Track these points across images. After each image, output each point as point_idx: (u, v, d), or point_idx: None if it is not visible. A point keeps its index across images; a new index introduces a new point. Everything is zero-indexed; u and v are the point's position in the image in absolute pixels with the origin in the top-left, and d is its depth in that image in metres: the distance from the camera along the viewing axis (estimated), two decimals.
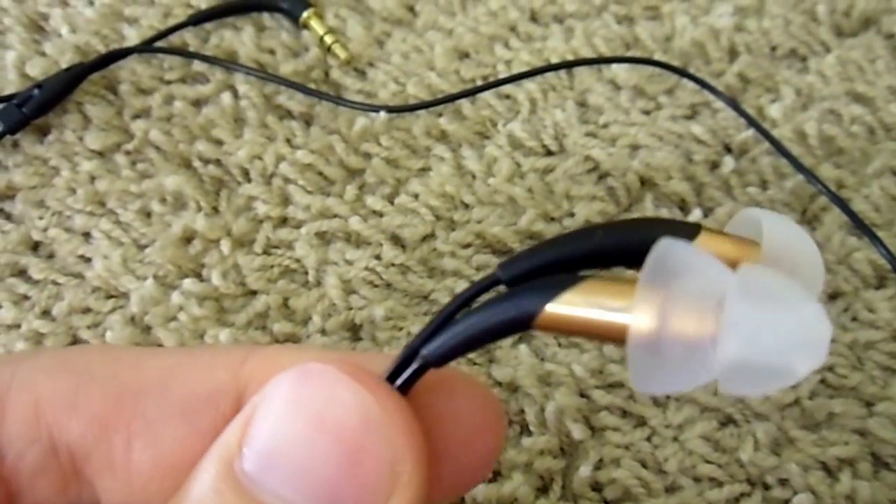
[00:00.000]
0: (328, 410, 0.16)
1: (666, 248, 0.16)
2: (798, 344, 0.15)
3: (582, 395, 0.33)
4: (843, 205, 0.36)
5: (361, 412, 0.16)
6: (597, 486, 0.32)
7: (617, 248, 0.18)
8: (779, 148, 0.38)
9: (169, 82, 0.39)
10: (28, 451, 0.18)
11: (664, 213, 0.36)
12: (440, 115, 0.39)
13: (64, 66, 0.39)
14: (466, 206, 0.37)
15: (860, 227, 0.36)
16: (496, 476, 0.31)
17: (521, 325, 0.17)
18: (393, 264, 0.35)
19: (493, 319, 0.17)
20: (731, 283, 0.15)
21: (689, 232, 0.17)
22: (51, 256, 0.36)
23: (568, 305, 0.17)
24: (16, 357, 0.20)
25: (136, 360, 0.19)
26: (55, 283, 0.35)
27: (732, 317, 0.15)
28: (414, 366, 0.18)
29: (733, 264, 0.16)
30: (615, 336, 0.16)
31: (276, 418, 0.17)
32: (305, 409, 0.17)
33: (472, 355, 0.33)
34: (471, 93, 0.39)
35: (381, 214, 0.36)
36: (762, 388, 0.15)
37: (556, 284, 0.17)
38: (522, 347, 0.34)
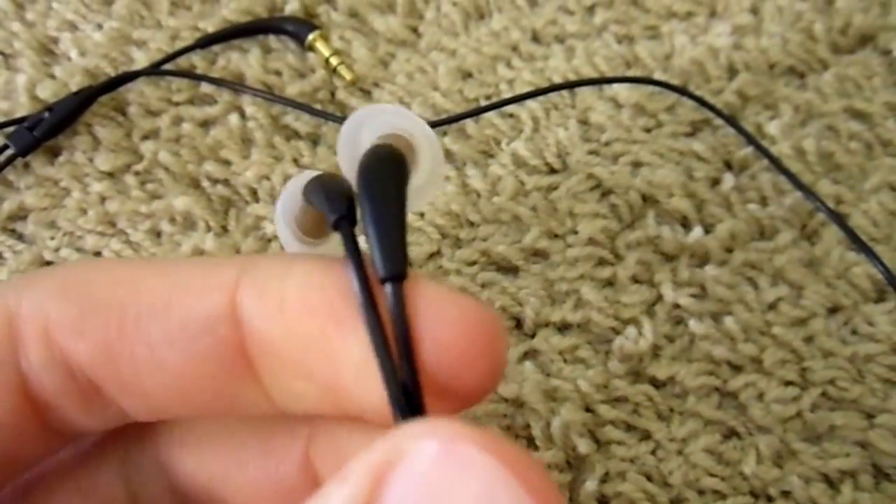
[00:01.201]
0: None
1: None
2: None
3: (587, 410, 0.33)
4: (841, 221, 0.37)
5: None
6: (603, 500, 0.32)
7: None
8: (777, 165, 0.38)
9: (177, 104, 0.40)
10: (47, 374, 0.18)
11: (666, 229, 0.37)
12: (445, 134, 0.39)
13: (74, 88, 0.39)
14: (472, 225, 0.37)
15: (857, 243, 0.36)
16: None
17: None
18: None
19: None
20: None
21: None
22: None
23: None
24: (22, 282, 0.19)
25: (136, 282, 0.18)
26: None
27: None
28: (388, 291, 0.17)
29: None
30: None
31: None
32: None
33: None
34: (475, 113, 0.39)
35: None
36: None
37: None
38: (528, 364, 0.34)
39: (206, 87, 0.40)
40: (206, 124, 0.39)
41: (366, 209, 0.18)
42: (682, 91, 0.40)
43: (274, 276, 0.18)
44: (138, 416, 0.20)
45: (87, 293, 0.18)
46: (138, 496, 0.22)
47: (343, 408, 0.19)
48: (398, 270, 0.18)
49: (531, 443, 0.33)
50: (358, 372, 0.18)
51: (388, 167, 0.19)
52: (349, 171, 0.21)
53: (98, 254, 0.36)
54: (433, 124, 0.39)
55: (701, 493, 0.32)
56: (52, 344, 0.18)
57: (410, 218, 0.37)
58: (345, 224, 0.19)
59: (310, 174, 0.21)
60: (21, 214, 0.37)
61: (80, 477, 0.21)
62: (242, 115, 0.39)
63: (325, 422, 0.20)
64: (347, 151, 0.21)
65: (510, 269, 0.36)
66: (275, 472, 0.21)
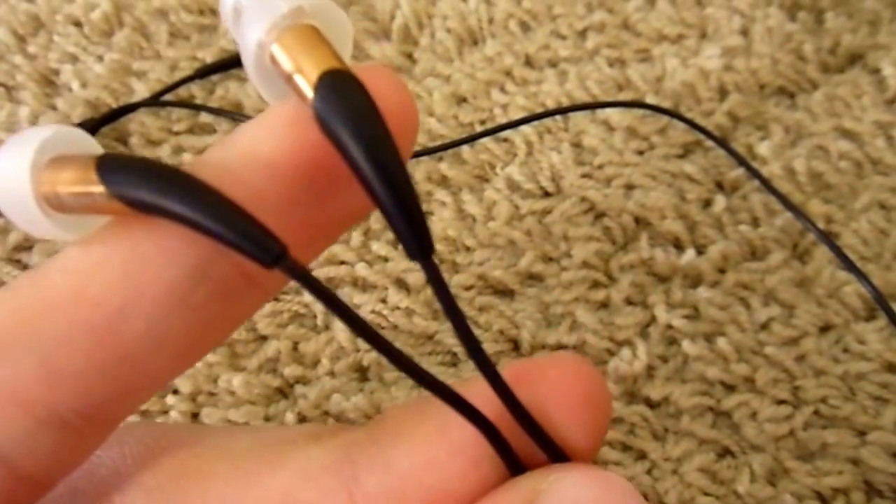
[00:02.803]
0: None
1: None
2: None
3: None
4: (830, 242, 0.37)
5: None
6: None
7: None
8: (767, 186, 0.39)
9: (177, 133, 0.41)
10: (34, 443, 0.16)
11: (659, 251, 0.38)
12: (440, 160, 0.40)
13: (75, 120, 0.40)
14: (468, 249, 0.38)
15: (846, 263, 0.37)
16: None
17: None
18: (398, 307, 0.36)
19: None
20: None
21: None
22: None
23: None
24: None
25: (78, 292, 0.16)
26: None
27: None
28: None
29: None
30: None
31: None
32: None
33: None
34: (470, 139, 0.40)
35: (386, 259, 0.37)
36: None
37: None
38: None
39: (205, 117, 0.41)
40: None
41: (374, 183, 0.16)
42: (672, 114, 0.41)
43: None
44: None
45: (35, 336, 0.16)
46: None
47: None
48: (427, 252, 0.16)
49: None
50: None
51: (371, 112, 0.16)
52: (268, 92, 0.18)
53: None
54: (429, 150, 0.40)
55: None
56: (24, 404, 0.16)
57: None
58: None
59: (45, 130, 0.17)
60: (26, 245, 0.38)
61: None
62: None
63: (371, 458, 0.18)
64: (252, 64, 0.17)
65: (506, 293, 0.37)
66: None
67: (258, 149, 0.17)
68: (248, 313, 0.18)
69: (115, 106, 0.41)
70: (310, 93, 0.16)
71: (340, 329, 0.36)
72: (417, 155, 0.40)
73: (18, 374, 0.16)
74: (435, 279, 0.16)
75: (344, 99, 0.16)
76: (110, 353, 0.16)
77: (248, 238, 0.15)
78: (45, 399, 0.16)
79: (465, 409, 0.16)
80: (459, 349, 0.35)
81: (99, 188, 0.16)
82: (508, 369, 0.17)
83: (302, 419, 0.33)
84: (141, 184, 0.15)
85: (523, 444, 0.17)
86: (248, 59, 0.17)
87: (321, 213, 0.18)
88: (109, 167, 0.16)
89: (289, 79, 0.16)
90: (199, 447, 0.19)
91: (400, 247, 0.37)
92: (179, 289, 0.16)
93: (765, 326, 0.36)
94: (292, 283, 0.35)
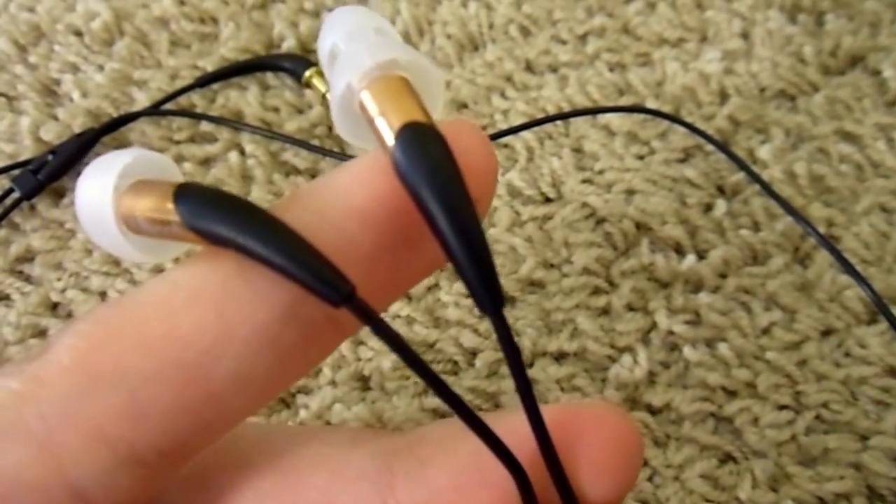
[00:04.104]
0: None
1: None
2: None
3: None
4: (830, 246, 0.37)
5: None
6: None
7: None
8: (768, 190, 0.39)
9: (178, 142, 0.41)
10: (112, 480, 0.16)
11: (660, 257, 0.38)
12: None
13: (77, 130, 0.40)
14: None
15: (847, 267, 0.37)
16: None
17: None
18: (399, 316, 0.36)
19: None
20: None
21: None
22: (69, 317, 0.37)
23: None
24: (29, 383, 0.16)
25: (170, 330, 0.16)
26: None
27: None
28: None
29: None
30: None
31: None
32: None
33: (477, 402, 0.35)
34: None
35: None
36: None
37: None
38: None
39: (206, 126, 0.41)
40: (206, 162, 0.40)
41: (448, 238, 0.16)
42: (673, 118, 0.41)
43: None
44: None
45: (127, 373, 0.16)
46: None
47: None
48: (498, 307, 0.17)
49: None
50: None
51: (449, 167, 0.17)
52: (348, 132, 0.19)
53: (104, 294, 0.37)
54: None
55: None
56: (106, 440, 0.16)
57: None
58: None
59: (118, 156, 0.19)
60: (28, 256, 0.38)
61: None
62: (242, 153, 0.40)
63: (406, 469, 0.19)
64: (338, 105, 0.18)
65: (507, 300, 0.37)
66: None
67: (351, 195, 0.17)
68: (326, 354, 0.19)
69: (115, 115, 0.41)
70: (391, 141, 0.16)
71: None
72: None
73: (106, 410, 0.16)
74: (504, 336, 0.17)
75: (423, 153, 0.16)
76: (197, 393, 0.16)
77: (317, 276, 0.15)
78: (128, 437, 0.16)
79: (501, 453, 0.17)
80: (460, 357, 0.35)
81: (175, 217, 0.16)
82: (549, 412, 0.18)
83: None
84: (214, 217, 0.16)
85: (549, 487, 0.18)
86: (335, 101, 0.18)
87: (405, 262, 0.18)
88: (186, 197, 0.16)
89: (372, 125, 0.17)
90: (239, 440, 0.20)
91: None
92: (269, 330, 0.16)
93: (766, 331, 0.36)
94: None
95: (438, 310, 0.37)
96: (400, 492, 0.17)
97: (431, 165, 0.16)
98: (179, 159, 0.40)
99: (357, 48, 0.18)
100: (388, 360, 0.35)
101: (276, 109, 0.42)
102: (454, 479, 0.18)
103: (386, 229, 0.17)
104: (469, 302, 0.37)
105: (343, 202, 0.17)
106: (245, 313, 0.16)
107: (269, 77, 0.43)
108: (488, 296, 0.17)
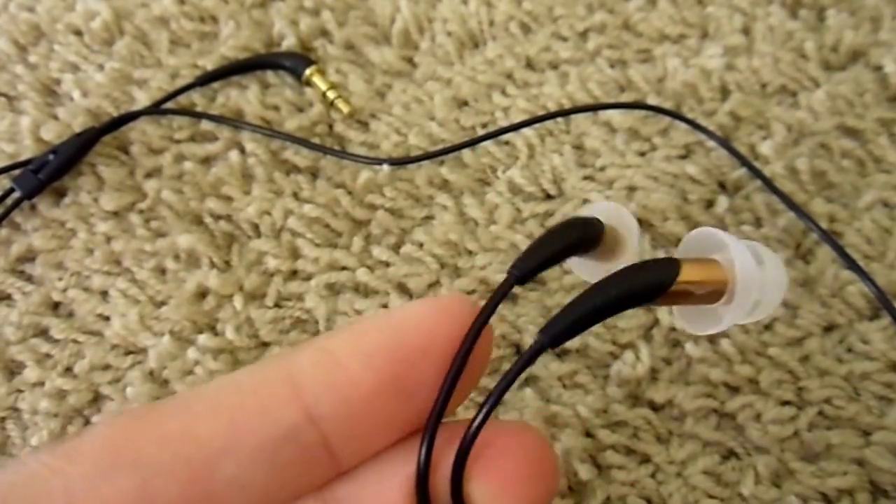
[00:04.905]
0: None
1: (719, 236, 0.23)
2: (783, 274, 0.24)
3: (587, 435, 0.34)
4: (833, 241, 0.37)
5: None
6: None
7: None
8: (770, 186, 0.39)
9: (178, 142, 0.41)
10: None
11: (661, 254, 0.37)
12: (441, 164, 0.40)
13: (77, 129, 0.40)
14: (470, 254, 0.38)
15: (849, 262, 0.37)
16: None
17: (657, 291, 0.22)
18: None
19: (621, 291, 0.21)
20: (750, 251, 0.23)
21: (676, 267, 0.22)
22: (71, 316, 0.37)
23: (686, 277, 0.22)
24: (57, 460, 0.18)
25: (189, 429, 0.19)
26: (76, 341, 0.36)
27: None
28: (535, 347, 0.21)
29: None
30: (713, 296, 0.23)
31: None
32: None
33: (479, 399, 0.34)
34: (471, 143, 0.40)
35: (387, 264, 0.37)
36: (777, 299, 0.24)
37: (670, 262, 0.22)
38: (528, 391, 0.35)
39: (206, 125, 0.41)
40: (207, 161, 0.40)
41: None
42: (674, 114, 0.41)
43: (321, 359, 0.20)
44: None
45: (142, 459, 0.18)
46: None
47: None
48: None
49: None
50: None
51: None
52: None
53: (105, 293, 0.37)
54: (430, 154, 0.40)
55: None
56: None
57: (409, 248, 0.38)
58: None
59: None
60: (29, 256, 0.38)
61: None
62: (242, 151, 0.40)
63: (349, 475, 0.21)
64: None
65: (509, 297, 0.37)
66: None
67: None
68: (316, 485, 0.20)
69: (116, 114, 0.41)
70: None
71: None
72: (418, 159, 0.40)
73: (120, 492, 0.17)
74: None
75: None
76: (199, 490, 0.18)
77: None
78: None
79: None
80: None
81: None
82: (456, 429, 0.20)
83: None
84: None
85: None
86: None
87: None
88: None
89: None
90: None
91: (401, 251, 0.37)
92: (271, 444, 0.18)
93: (768, 327, 0.36)
94: (293, 289, 0.35)
95: None
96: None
97: None
98: (180, 158, 0.40)
99: None
100: None
101: (277, 108, 0.42)
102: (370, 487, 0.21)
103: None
104: (471, 298, 0.36)
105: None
106: (254, 426, 0.18)
107: (270, 75, 0.43)
108: None
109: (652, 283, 0.22)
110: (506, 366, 0.35)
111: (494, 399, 0.20)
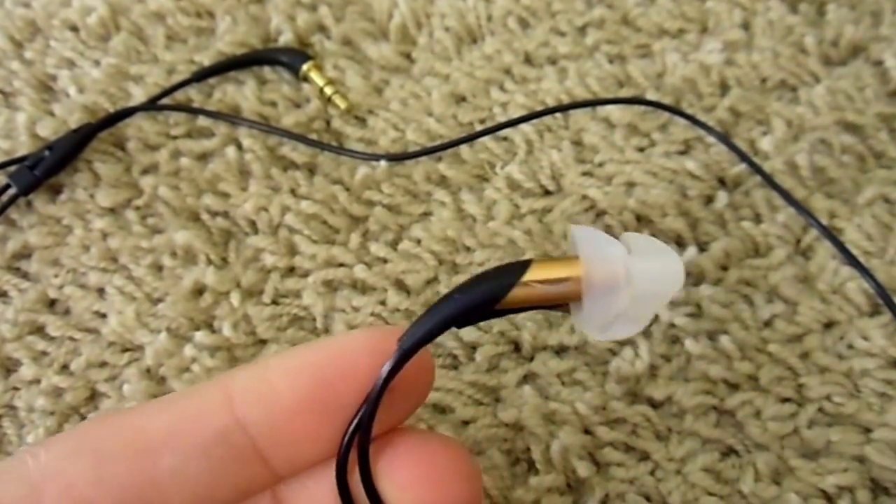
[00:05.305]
0: None
1: (582, 232, 0.23)
2: (671, 278, 0.22)
3: (586, 432, 0.34)
4: (833, 237, 0.37)
5: None
6: None
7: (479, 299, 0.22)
8: (769, 181, 0.39)
9: (175, 138, 0.40)
10: None
11: None
12: (439, 160, 0.40)
13: (73, 125, 0.40)
14: (468, 250, 0.38)
15: (849, 258, 0.37)
16: None
17: (490, 304, 0.22)
18: (398, 309, 0.36)
19: (462, 304, 0.22)
20: (622, 245, 0.23)
21: (523, 267, 0.22)
22: (67, 313, 0.37)
23: (526, 285, 0.22)
24: (36, 449, 0.22)
25: (140, 425, 0.22)
26: (72, 339, 0.36)
27: (638, 265, 0.22)
28: (395, 356, 0.22)
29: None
30: (563, 299, 0.22)
31: None
32: None
33: (477, 396, 0.34)
34: (469, 139, 0.40)
35: (385, 261, 0.37)
36: (650, 311, 0.23)
37: (513, 270, 0.22)
38: (527, 388, 0.34)
39: (203, 121, 0.41)
40: (204, 157, 0.40)
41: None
42: (673, 110, 0.41)
43: (256, 375, 0.23)
44: None
45: (99, 447, 0.21)
46: None
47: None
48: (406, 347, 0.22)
49: (532, 466, 0.33)
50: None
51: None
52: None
53: (101, 290, 0.37)
54: (428, 150, 0.40)
55: None
56: (75, 499, 0.21)
57: (407, 245, 0.37)
58: None
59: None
60: (25, 253, 0.38)
61: None
62: (239, 147, 0.40)
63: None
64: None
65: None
66: None
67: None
68: (255, 488, 0.23)
69: (112, 110, 0.41)
70: None
71: (340, 332, 0.35)
72: (416, 155, 0.39)
73: (78, 474, 0.21)
74: None
75: None
76: (146, 476, 0.21)
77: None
78: (90, 498, 0.21)
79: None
80: (460, 351, 0.35)
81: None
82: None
83: None
84: None
85: None
86: None
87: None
88: None
89: None
90: None
91: (399, 247, 0.37)
92: (205, 441, 0.22)
93: (768, 324, 0.36)
94: (291, 286, 0.35)
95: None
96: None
97: None
98: (177, 155, 0.40)
99: None
100: None
101: (274, 103, 0.42)
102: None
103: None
104: None
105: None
106: (190, 425, 0.22)
107: (267, 71, 0.43)
108: None
109: (494, 286, 0.22)
110: (505, 363, 0.35)
111: (369, 407, 0.22)
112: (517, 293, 0.22)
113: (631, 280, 0.22)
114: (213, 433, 0.22)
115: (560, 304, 0.23)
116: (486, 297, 0.22)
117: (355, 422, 0.22)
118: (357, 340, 0.23)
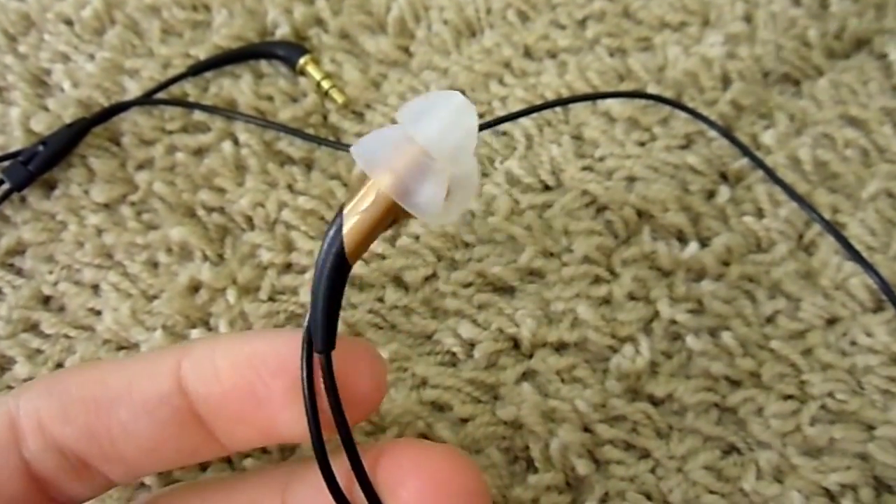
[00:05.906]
0: None
1: (359, 149, 0.23)
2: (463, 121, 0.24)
3: (586, 430, 0.33)
4: (836, 232, 0.37)
5: None
6: None
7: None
8: (772, 176, 0.38)
9: (170, 132, 0.40)
10: (44, 457, 0.24)
11: (661, 245, 0.37)
12: None
13: (67, 120, 0.40)
14: (467, 246, 0.37)
15: (852, 253, 0.36)
16: None
17: (343, 264, 0.23)
18: (396, 306, 0.36)
19: (326, 282, 0.24)
20: (399, 127, 0.23)
21: (338, 220, 0.23)
22: (61, 310, 0.36)
23: (350, 229, 0.23)
24: (17, 391, 0.25)
25: (102, 378, 0.25)
26: (67, 336, 0.36)
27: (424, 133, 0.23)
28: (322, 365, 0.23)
29: None
30: (390, 213, 0.23)
31: None
32: None
33: (476, 393, 0.34)
34: None
35: (383, 257, 0.37)
36: (469, 161, 0.24)
37: (333, 226, 0.23)
38: (526, 385, 0.34)
39: (198, 115, 0.40)
40: (199, 152, 0.40)
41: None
42: (675, 104, 0.40)
43: (214, 348, 0.25)
44: (120, 479, 0.26)
45: (66, 391, 0.24)
46: None
47: (277, 440, 0.26)
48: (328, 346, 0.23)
49: (530, 465, 0.33)
50: (288, 419, 0.24)
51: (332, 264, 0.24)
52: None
53: (96, 287, 0.37)
54: None
55: None
56: (45, 433, 0.24)
57: (406, 241, 0.37)
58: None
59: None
60: (19, 249, 0.37)
61: None
62: (236, 142, 0.40)
63: (298, 474, 0.26)
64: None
65: (506, 290, 0.37)
66: None
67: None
68: (197, 455, 0.26)
69: (107, 105, 0.40)
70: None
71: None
72: None
73: (48, 411, 0.24)
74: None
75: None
76: (102, 424, 0.24)
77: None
78: (57, 433, 0.24)
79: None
80: (458, 348, 0.35)
81: None
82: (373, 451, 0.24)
83: None
84: None
85: None
86: None
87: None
88: None
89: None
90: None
91: (397, 243, 0.36)
92: (151, 401, 0.24)
93: (770, 320, 0.36)
94: (288, 282, 0.35)
95: (437, 300, 0.36)
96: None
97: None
98: (172, 149, 0.39)
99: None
100: (385, 352, 0.34)
101: (270, 98, 0.41)
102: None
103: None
104: (468, 291, 0.36)
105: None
106: (138, 382, 0.24)
107: (263, 65, 0.42)
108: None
109: (332, 249, 0.23)
110: (504, 360, 0.35)
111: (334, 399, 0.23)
112: (351, 238, 0.23)
113: (428, 152, 0.23)
114: (159, 395, 0.24)
115: (397, 216, 0.23)
116: (335, 260, 0.23)
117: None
118: (292, 342, 0.24)
